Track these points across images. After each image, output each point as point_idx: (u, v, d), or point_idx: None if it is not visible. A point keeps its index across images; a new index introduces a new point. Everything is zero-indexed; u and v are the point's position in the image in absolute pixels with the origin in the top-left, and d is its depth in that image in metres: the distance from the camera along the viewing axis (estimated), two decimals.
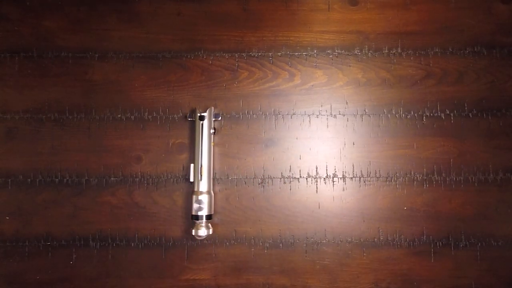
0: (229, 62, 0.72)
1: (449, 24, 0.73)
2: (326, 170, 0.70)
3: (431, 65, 0.72)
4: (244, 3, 0.73)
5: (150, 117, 0.70)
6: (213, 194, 0.67)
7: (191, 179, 0.66)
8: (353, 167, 0.70)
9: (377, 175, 0.70)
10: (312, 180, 0.70)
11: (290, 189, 0.69)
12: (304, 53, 0.72)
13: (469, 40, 0.72)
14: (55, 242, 0.68)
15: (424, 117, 0.71)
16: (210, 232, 0.65)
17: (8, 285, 0.67)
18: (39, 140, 0.69)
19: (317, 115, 0.71)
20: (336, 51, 0.72)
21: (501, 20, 0.73)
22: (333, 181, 0.70)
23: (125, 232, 0.68)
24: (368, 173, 0.70)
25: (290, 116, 0.71)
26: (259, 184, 0.69)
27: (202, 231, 0.64)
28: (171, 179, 0.69)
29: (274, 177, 0.69)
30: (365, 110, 0.71)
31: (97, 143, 0.70)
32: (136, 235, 0.68)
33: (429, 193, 0.69)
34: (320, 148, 0.70)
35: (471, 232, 0.68)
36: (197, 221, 0.64)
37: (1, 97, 0.70)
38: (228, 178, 0.70)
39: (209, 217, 0.65)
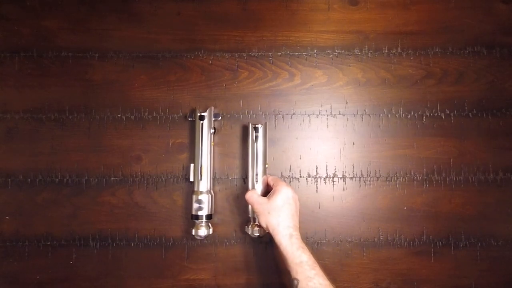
0: (229, 62, 0.72)
1: (449, 24, 0.73)
2: (326, 170, 0.70)
3: (431, 65, 0.72)
4: (244, 3, 0.73)
5: (150, 117, 0.70)
6: (213, 194, 0.67)
7: (191, 179, 0.66)
8: (353, 167, 0.70)
9: (377, 175, 0.70)
10: (312, 180, 0.70)
11: None
12: (304, 53, 0.72)
13: (469, 40, 0.72)
14: (55, 242, 0.68)
15: (424, 117, 0.71)
16: (210, 232, 0.65)
17: (8, 285, 0.67)
18: (39, 140, 0.69)
19: (317, 115, 0.71)
20: (336, 51, 0.72)
21: (501, 20, 0.73)
22: (333, 181, 0.70)
23: (125, 232, 0.68)
24: (368, 173, 0.70)
25: (290, 116, 0.71)
26: None
27: (202, 231, 0.64)
28: (171, 179, 0.69)
29: None
30: (365, 110, 0.71)
31: (97, 143, 0.70)
32: (136, 235, 0.68)
33: (429, 193, 0.69)
34: (320, 148, 0.70)
35: (471, 232, 0.68)
36: (197, 221, 0.64)
37: (1, 97, 0.70)
38: (228, 178, 0.70)
39: (209, 217, 0.65)
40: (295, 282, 0.52)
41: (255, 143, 0.65)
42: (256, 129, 0.65)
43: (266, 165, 0.66)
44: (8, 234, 0.68)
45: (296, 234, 0.56)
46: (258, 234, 0.64)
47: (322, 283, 0.51)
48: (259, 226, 0.63)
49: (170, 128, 0.70)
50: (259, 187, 0.64)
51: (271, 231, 0.57)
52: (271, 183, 0.63)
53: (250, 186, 0.65)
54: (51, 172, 0.69)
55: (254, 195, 0.61)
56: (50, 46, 0.71)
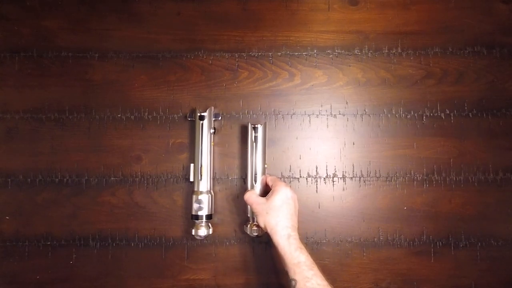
0: (229, 62, 0.72)
1: (449, 24, 0.73)
2: (326, 170, 0.70)
3: (431, 65, 0.72)
4: (244, 3, 0.73)
5: (150, 117, 0.70)
6: (213, 194, 0.67)
7: (191, 179, 0.66)
8: (353, 167, 0.70)
9: (377, 175, 0.70)
10: (312, 180, 0.70)
11: None
12: (304, 53, 0.72)
13: (469, 40, 0.72)
14: (55, 242, 0.68)
15: (424, 117, 0.71)
16: (210, 232, 0.65)
17: (8, 285, 0.67)
18: (39, 140, 0.69)
19: (317, 115, 0.71)
20: (336, 51, 0.72)
21: (501, 20, 0.73)
22: (333, 181, 0.70)
23: (125, 232, 0.68)
24: (368, 173, 0.70)
25: (290, 116, 0.71)
26: None
27: (202, 231, 0.64)
28: (171, 179, 0.69)
29: None
30: (365, 110, 0.71)
31: (97, 143, 0.70)
32: (136, 235, 0.68)
33: (429, 193, 0.69)
34: (320, 148, 0.70)
35: (471, 232, 0.68)
36: (197, 221, 0.64)
37: (1, 97, 0.70)
38: (228, 178, 0.70)
39: (209, 217, 0.65)
40: (293, 282, 0.52)
41: (254, 143, 0.65)
42: (255, 129, 0.65)
43: (266, 165, 0.66)
44: (8, 234, 0.68)
45: (294, 235, 0.56)
46: (256, 234, 0.64)
47: (320, 284, 0.51)
48: (258, 225, 0.63)
49: (170, 128, 0.70)
50: (258, 187, 0.64)
51: (269, 231, 0.57)
52: (270, 183, 0.63)
53: (249, 186, 0.65)
54: (51, 172, 0.69)
55: (252, 196, 0.61)
56: (50, 46, 0.71)
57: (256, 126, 0.65)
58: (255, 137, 0.65)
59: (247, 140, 0.66)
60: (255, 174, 0.65)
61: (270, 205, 0.58)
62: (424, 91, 0.71)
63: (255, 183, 0.65)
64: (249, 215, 0.65)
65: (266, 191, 0.63)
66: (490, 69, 0.71)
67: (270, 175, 0.66)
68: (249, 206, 0.64)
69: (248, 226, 0.65)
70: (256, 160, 0.65)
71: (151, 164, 0.69)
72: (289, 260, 0.53)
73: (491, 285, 0.67)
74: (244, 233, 0.66)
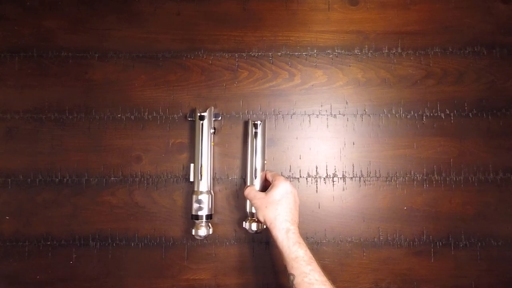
0: (229, 62, 0.72)
1: (449, 24, 0.73)
2: (326, 170, 0.70)
3: (431, 65, 0.72)
4: (244, 3, 0.73)
5: (150, 117, 0.70)
6: (213, 194, 0.67)
7: (191, 179, 0.66)
8: (353, 167, 0.70)
9: (377, 175, 0.70)
10: (312, 180, 0.70)
11: None
12: (304, 53, 0.72)
13: (469, 40, 0.72)
14: (55, 242, 0.68)
15: (424, 117, 0.71)
16: (210, 232, 0.65)
17: (8, 285, 0.67)
18: (39, 140, 0.69)
19: (317, 115, 0.71)
20: (336, 51, 0.72)
21: (501, 20, 0.73)
22: (333, 181, 0.70)
23: (125, 232, 0.68)
24: (368, 173, 0.70)
25: (290, 116, 0.71)
26: None
27: (202, 231, 0.64)
28: (171, 179, 0.69)
29: None
30: (365, 110, 0.71)
31: (97, 143, 0.70)
32: (136, 235, 0.68)
33: (429, 193, 0.69)
34: (320, 148, 0.70)
35: (471, 232, 0.68)
36: (197, 221, 0.64)
37: (1, 97, 0.70)
38: (228, 178, 0.70)
39: (209, 217, 0.65)
40: (291, 277, 0.51)
41: (254, 139, 0.65)
42: (255, 125, 0.66)
43: (265, 161, 0.66)
44: (8, 234, 0.68)
45: (294, 229, 0.55)
46: (255, 230, 0.64)
47: (318, 279, 0.50)
48: (256, 221, 0.63)
49: (170, 128, 0.70)
50: (257, 183, 0.65)
51: (268, 225, 0.56)
52: (269, 178, 0.63)
53: (248, 182, 0.66)
54: (51, 172, 0.69)
55: (252, 190, 0.61)
56: (50, 46, 0.71)
57: (256, 122, 0.66)
58: (255, 133, 0.65)
59: (248, 136, 0.66)
60: (255, 170, 0.65)
61: (269, 199, 0.57)
62: (424, 91, 0.71)
63: (255, 179, 0.65)
64: (248, 211, 0.65)
65: (265, 186, 0.63)
66: (490, 69, 0.71)
67: (270, 171, 0.66)
68: (248, 202, 0.64)
69: (247, 222, 0.65)
70: (256, 156, 0.65)
71: (151, 164, 0.69)
72: (287, 254, 0.53)
73: (491, 285, 0.67)
74: (244, 232, 0.66)
